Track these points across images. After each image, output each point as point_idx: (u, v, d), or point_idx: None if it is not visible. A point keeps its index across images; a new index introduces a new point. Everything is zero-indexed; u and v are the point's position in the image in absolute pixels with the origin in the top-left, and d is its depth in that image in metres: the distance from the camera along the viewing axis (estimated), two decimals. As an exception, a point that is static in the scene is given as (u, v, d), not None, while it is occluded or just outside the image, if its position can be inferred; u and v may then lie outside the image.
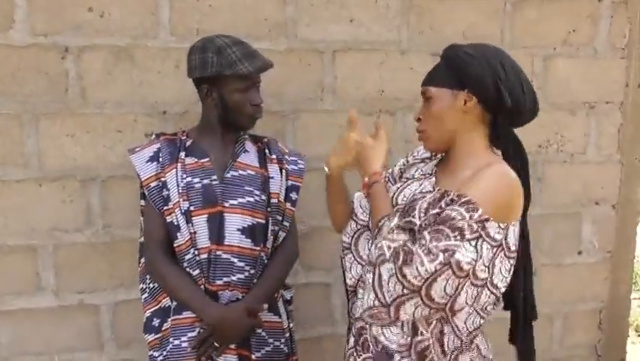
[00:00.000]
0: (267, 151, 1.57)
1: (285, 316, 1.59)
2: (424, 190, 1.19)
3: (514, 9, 2.01)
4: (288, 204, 1.56)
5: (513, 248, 1.13)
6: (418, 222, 1.12)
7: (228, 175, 1.47)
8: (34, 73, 1.68)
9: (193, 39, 1.75)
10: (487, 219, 1.06)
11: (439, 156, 1.31)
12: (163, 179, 1.45)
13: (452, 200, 1.08)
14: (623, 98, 2.16)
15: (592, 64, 2.10)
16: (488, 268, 1.09)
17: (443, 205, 1.09)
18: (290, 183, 1.56)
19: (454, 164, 1.20)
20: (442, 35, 1.95)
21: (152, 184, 1.46)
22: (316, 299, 2.01)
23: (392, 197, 1.24)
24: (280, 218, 1.54)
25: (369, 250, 1.22)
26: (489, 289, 1.11)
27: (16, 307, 1.77)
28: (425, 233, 1.05)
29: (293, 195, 1.57)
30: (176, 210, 1.43)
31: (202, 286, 1.45)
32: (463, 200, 1.06)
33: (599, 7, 2.08)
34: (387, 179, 1.36)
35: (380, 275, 1.07)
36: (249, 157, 1.53)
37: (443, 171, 1.23)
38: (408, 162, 1.38)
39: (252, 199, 1.47)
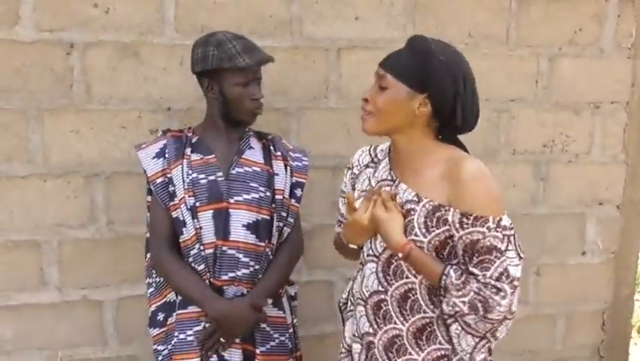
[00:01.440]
0: (271, 148, 1.57)
1: (289, 312, 1.60)
2: (404, 200, 1.18)
3: (519, 8, 2.00)
4: (293, 201, 1.56)
5: None
6: (425, 240, 1.15)
7: (233, 172, 1.48)
8: (40, 69, 1.68)
9: (198, 36, 1.75)
10: (500, 220, 1.11)
11: (380, 157, 1.31)
12: (169, 175, 1.46)
13: (462, 222, 1.11)
14: (629, 98, 2.14)
15: (598, 64, 2.09)
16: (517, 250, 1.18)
17: (457, 226, 1.12)
18: (294, 179, 1.57)
19: (411, 163, 1.20)
20: (447, 34, 1.94)
21: (159, 180, 1.47)
22: (319, 297, 2.01)
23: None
24: (285, 214, 1.54)
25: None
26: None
27: (19, 302, 1.77)
28: (476, 270, 1.11)
29: (297, 192, 1.58)
30: (181, 206, 1.44)
31: (207, 281, 1.45)
32: (472, 219, 1.10)
33: (606, 6, 2.07)
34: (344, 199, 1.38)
35: (466, 323, 1.14)
36: (255, 154, 1.54)
37: (403, 172, 1.22)
38: (354, 173, 1.36)
39: (257, 195, 1.48)
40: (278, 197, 1.52)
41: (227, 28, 1.54)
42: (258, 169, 1.51)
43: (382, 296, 1.23)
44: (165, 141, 1.50)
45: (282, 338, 1.54)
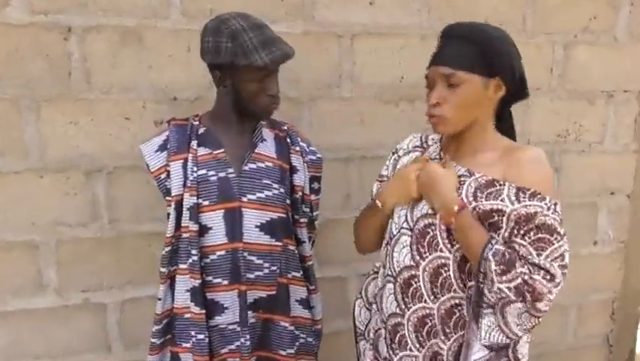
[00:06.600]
0: (289, 141, 1.49)
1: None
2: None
3: (535, -5, 1.98)
4: (313, 196, 1.53)
5: None
6: (469, 207, 1.12)
7: (246, 168, 1.39)
8: (34, 55, 1.56)
9: (206, 20, 1.63)
10: (556, 204, 1.09)
11: (430, 143, 1.31)
12: (168, 169, 1.37)
13: (518, 196, 1.09)
14: (641, 87, 2.16)
15: (612, 52, 2.09)
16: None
17: (512, 199, 1.08)
18: (311, 174, 1.52)
19: (469, 145, 1.20)
20: (463, 20, 1.89)
21: (163, 176, 1.37)
22: (332, 293, 1.96)
23: None
24: (308, 209, 1.51)
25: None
26: None
27: (15, 308, 1.68)
28: (530, 248, 1.06)
29: (315, 185, 1.54)
30: (172, 204, 1.35)
31: (224, 282, 1.36)
32: (529, 193, 1.08)
33: (619, -6, 2.06)
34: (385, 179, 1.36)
35: (505, 315, 1.08)
36: (267, 147, 1.44)
37: (456, 153, 1.22)
38: (398, 155, 1.36)
39: (270, 193, 1.40)
40: (297, 195, 1.46)
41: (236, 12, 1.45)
42: (271, 165, 1.42)
43: (413, 272, 1.19)
44: (168, 132, 1.41)
45: (309, 339, 1.51)
